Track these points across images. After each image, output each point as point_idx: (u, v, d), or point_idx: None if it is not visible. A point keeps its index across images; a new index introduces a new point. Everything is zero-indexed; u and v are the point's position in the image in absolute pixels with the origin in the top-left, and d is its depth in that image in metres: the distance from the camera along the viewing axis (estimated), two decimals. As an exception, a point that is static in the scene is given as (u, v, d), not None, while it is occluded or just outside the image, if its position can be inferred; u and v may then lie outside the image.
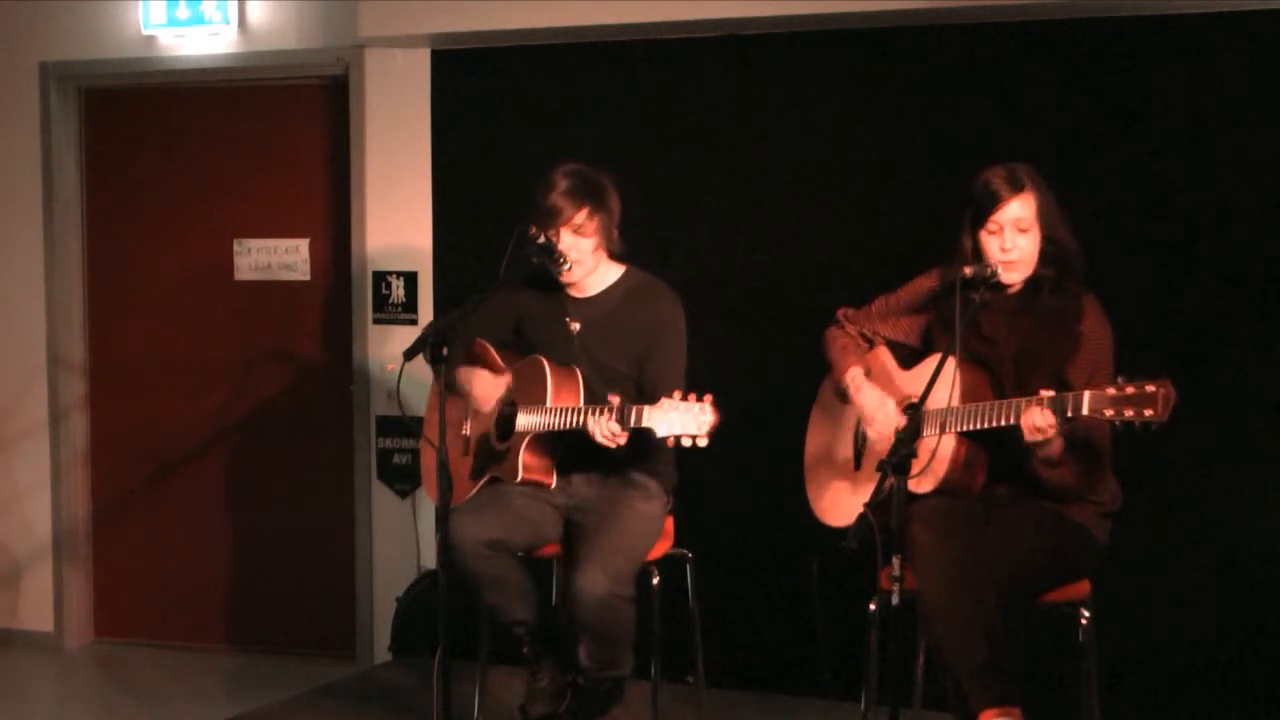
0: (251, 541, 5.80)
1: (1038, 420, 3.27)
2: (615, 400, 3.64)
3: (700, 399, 3.48)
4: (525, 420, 3.88)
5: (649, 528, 3.92)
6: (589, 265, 3.92)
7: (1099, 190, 4.45)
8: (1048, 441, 3.33)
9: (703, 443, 3.47)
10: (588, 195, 3.87)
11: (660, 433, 3.50)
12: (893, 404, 3.67)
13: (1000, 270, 3.51)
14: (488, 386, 4.02)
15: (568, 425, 3.76)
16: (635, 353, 3.93)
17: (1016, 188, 3.50)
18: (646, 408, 3.55)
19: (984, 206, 3.51)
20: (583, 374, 3.91)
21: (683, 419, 3.47)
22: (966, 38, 4.66)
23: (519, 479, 3.90)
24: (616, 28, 4.89)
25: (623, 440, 3.67)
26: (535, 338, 4.04)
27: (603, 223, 3.89)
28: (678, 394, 3.50)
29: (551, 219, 3.85)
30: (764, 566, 4.89)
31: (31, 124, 5.80)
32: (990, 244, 3.52)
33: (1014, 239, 3.50)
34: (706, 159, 4.99)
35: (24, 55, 5.78)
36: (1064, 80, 4.59)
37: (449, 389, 3.98)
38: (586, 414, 3.69)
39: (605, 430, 3.63)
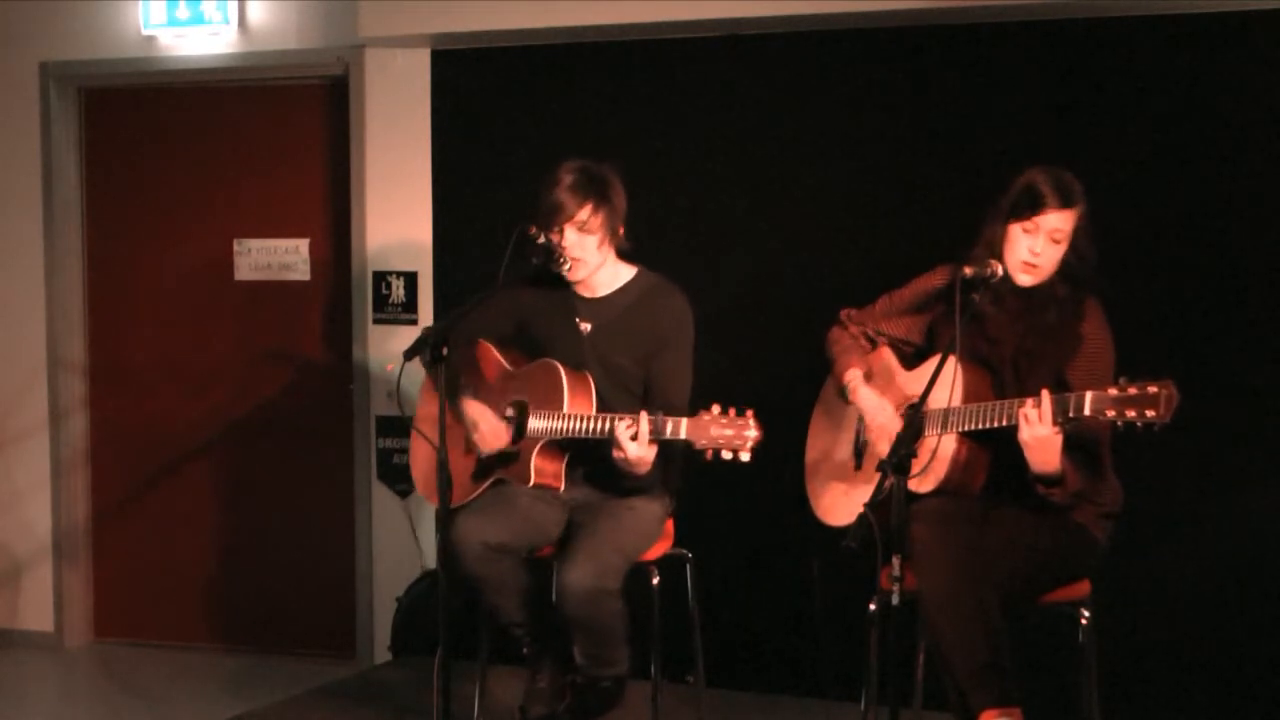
0: (251, 541, 5.80)
1: (1033, 420, 3.27)
2: (644, 414, 3.60)
3: (741, 413, 3.46)
4: (541, 424, 3.85)
5: (646, 526, 3.92)
6: (594, 263, 3.90)
7: (1099, 190, 4.42)
8: (1051, 478, 3.35)
9: (745, 457, 3.45)
10: (592, 191, 3.84)
11: (699, 445, 3.48)
12: (890, 406, 3.67)
13: (1010, 271, 3.50)
14: (492, 434, 3.94)
15: (592, 432, 3.73)
16: (645, 353, 3.91)
17: (1066, 201, 3.47)
18: (684, 420, 3.53)
19: (1029, 205, 3.47)
20: (594, 379, 3.90)
21: (724, 433, 3.45)
22: (967, 38, 4.66)
23: (532, 483, 3.88)
24: (616, 28, 4.89)
25: (647, 466, 3.65)
26: (542, 337, 4.02)
27: (607, 219, 3.87)
28: (716, 408, 3.48)
29: (555, 215, 3.83)
30: (764, 566, 4.89)
31: (31, 124, 5.81)
32: (1020, 241, 3.49)
33: (1044, 246, 3.48)
34: (706, 159, 4.99)
35: (24, 55, 5.78)
36: (1064, 80, 4.59)
37: (450, 396, 3.96)
38: (615, 422, 3.65)
39: (636, 454, 3.60)
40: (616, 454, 3.64)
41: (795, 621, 4.79)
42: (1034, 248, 3.49)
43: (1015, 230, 3.50)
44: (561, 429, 3.79)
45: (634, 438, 3.60)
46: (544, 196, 3.86)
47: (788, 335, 4.72)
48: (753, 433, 3.44)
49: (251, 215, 5.72)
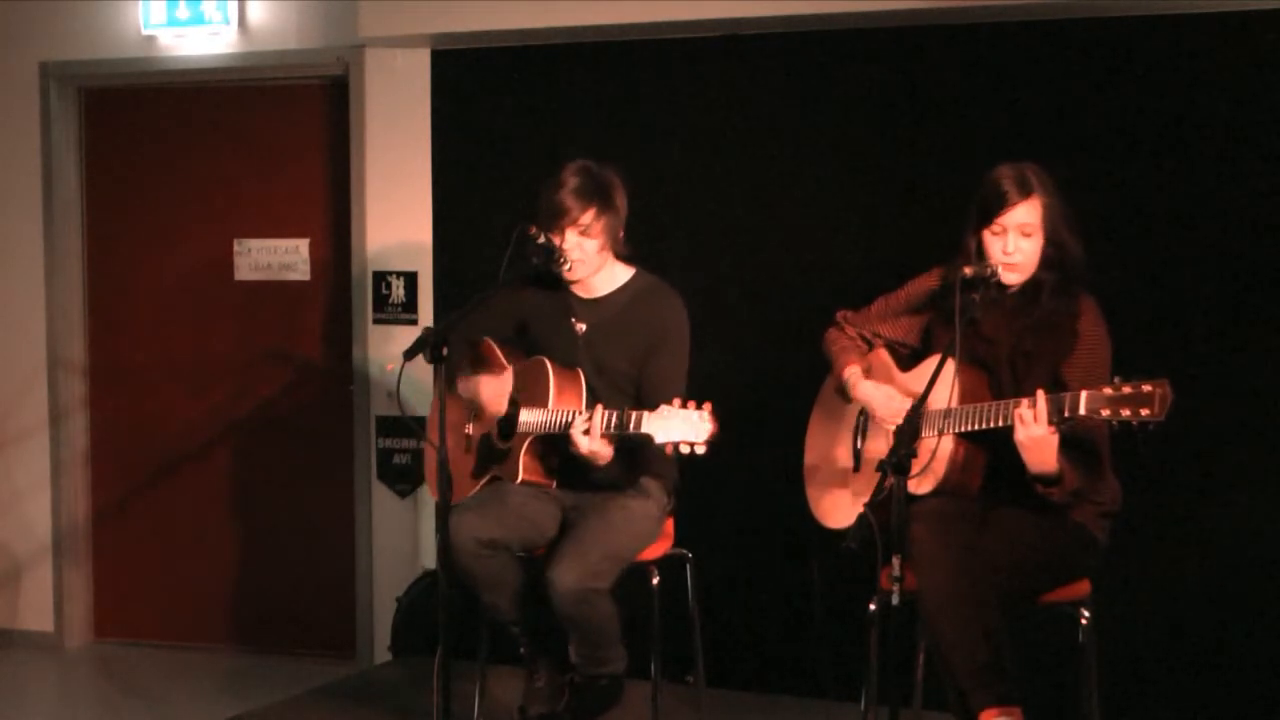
0: (251, 541, 5.80)
1: (1028, 421, 3.27)
2: (599, 409, 3.64)
3: (700, 406, 3.47)
4: (526, 421, 3.87)
5: (641, 527, 3.92)
6: (593, 266, 3.91)
7: (1099, 190, 4.45)
8: (1049, 477, 3.35)
9: (700, 450, 3.47)
10: (596, 195, 3.84)
11: (658, 439, 3.50)
12: (897, 392, 3.66)
13: (1000, 271, 3.51)
14: (494, 388, 3.98)
15: (556, 426, 3.76)
16: (638, 354, 3.92)
17: (1024, 192, 3.49)
18: (646, 414, 3.54)
19: (990, 207, 3.50)
20: (585, 376, 3.91)
21: (681, 426, 3.47)
22: (967, 38, 4.66)
23: (519, 479, 3.90)
24: (616, 28, 4.89)
25: (605, 459, 3.68)
26: (539, 338, 4.03)
27: (609, 224, 3.87)
28: (677, 401, 3.50)
29: (557, 217, 3.83)
30: (764, 566, 4.89)
31: (31, 124, 5.81)
32: (993, 245, 3.52)
33: (1017, 242, 3.49)
34: (706, 159, 4.98)
35: (24, 55, 5.78)
36: (1064, 80, 4.59)
37: (450, 391, 3.97)
38: (573, 418, 3.69)
39: (587, 448, 3.64)
40: (571, 448, 3.67)
41: (795, 621, 4.78)
42: (1006, 247, 3.50)
43: (986, 236, 3.52)
44: (539, 424, 3.81)
45: (586, 432, 3.62)
46: (546, 197, 3.86)
47: (787, 335, 4.71)
48: (707, 425, 3.45)
49: (251, 215, 5.72)
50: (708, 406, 3.47)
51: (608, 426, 3.63)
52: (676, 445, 3.48)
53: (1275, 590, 4.42)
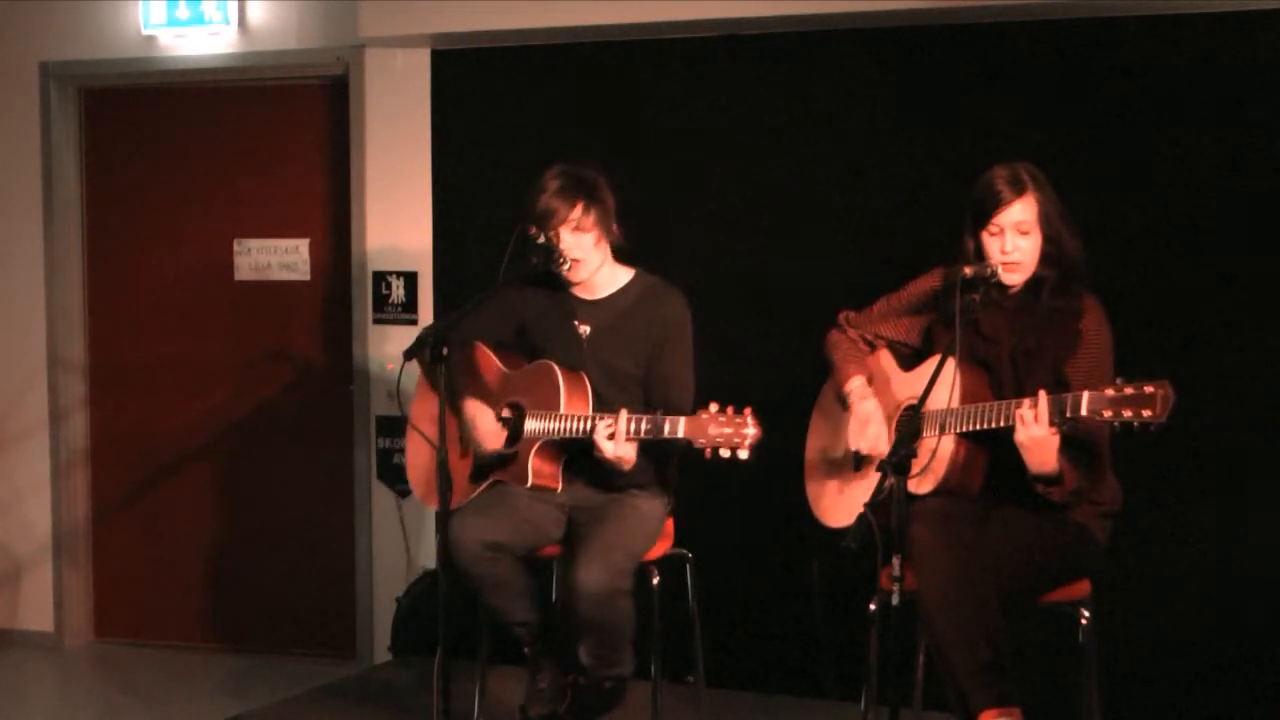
0: (251, 542, 5.80)
1: (1029, 421, 3.27)
2: (623, 412, 3.64)
3: (739, 411, 3.48)
4: (536, 426, 3.86)
5: (649, 526, 3.92)
6: (594, 262, 3.91)
7: (1099, 190, 4.45)
8: (1050, 477, 3.35)
9: (743, 454, 3.48)
10: (580, 191, 3.86)
11: (698, 444, 3.50)
12: (884, 428, 3.65)
13: (1000, 271, 3.51)
14: (488, 425, 3.97)
15: (578, 432, 3.75)
16: (644, 355, 3.92)
17: (1018, 190, 3.49)
18: (683, 419, 3.55)
19: (985, 208, 3.50)
20: (591, 379, 3.91)
21: (724, 431, 3.47)
22: (967, 38, 4.66)
23: (529, 484, 3.89)
24: (616, 28, 4.89)
25: (631, 463, 3.68)
26: (541, 340, 4.02)
27: (600, 216, 3.88)
28: (714, 406, 3.50)
29: (548, 220, 3.84)
30: (764, 566, 4.89)
31: (31, 124, 5.81)
32: (991, 245, 3.52)
33: (1015, 241, 3.50)
34: (706, 159, 4.99)
35: (24, 55, 5.78)
36: (1064, 80, 4.59)
37: (449, 396, 3.97)
38: (592, 423, 3.69)
39: (613, 453, 3.64)
40: (597, 453, 3.67)
41: (795, 621, 4.79)
42: (1004, 246, 3.50)
43: (984, 237, 3.52)
44: (554, 430, 3.80)
45: (611, 437, 3.63)
46: (533, 203, 3.88)
47: (788, 335, 4.72)
48: (751, 430, 3.47)
49: (251, 215, 5.72)
50: (748, 410, 3.48)
51: (637, 431, 3.63)
52: (717, 450, 3.49)
53: (1275, 590, 4.42)
